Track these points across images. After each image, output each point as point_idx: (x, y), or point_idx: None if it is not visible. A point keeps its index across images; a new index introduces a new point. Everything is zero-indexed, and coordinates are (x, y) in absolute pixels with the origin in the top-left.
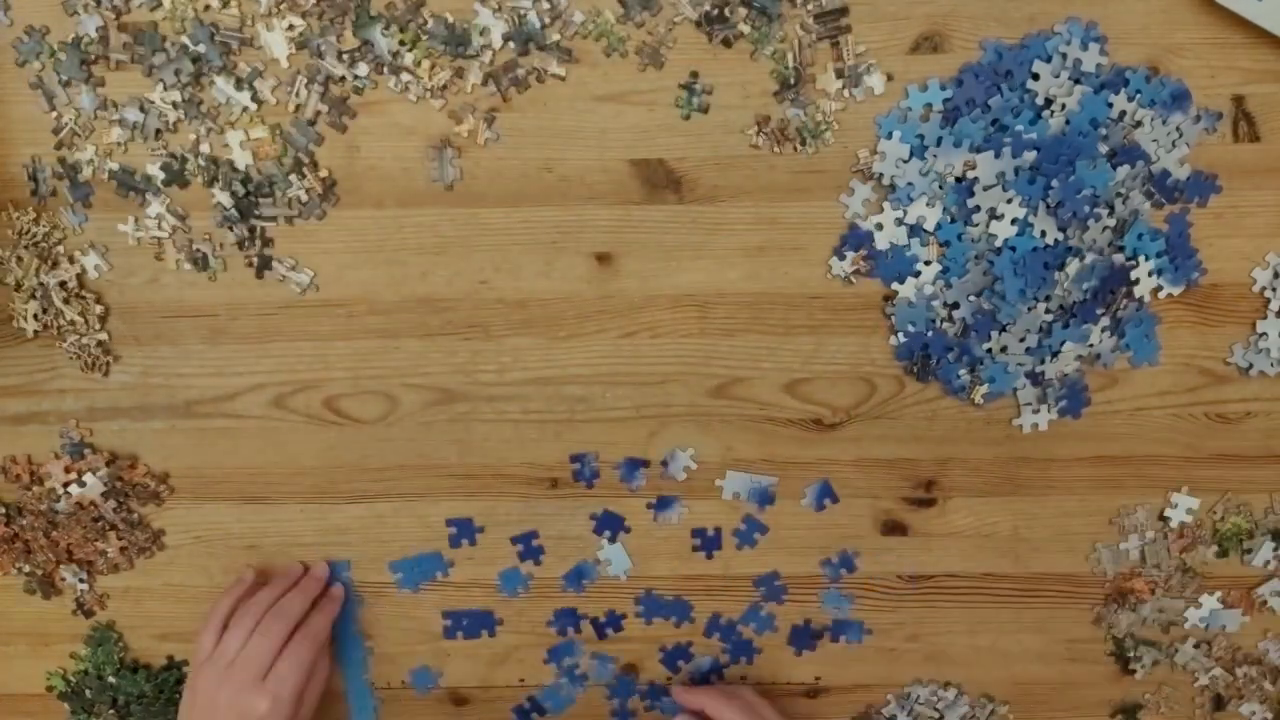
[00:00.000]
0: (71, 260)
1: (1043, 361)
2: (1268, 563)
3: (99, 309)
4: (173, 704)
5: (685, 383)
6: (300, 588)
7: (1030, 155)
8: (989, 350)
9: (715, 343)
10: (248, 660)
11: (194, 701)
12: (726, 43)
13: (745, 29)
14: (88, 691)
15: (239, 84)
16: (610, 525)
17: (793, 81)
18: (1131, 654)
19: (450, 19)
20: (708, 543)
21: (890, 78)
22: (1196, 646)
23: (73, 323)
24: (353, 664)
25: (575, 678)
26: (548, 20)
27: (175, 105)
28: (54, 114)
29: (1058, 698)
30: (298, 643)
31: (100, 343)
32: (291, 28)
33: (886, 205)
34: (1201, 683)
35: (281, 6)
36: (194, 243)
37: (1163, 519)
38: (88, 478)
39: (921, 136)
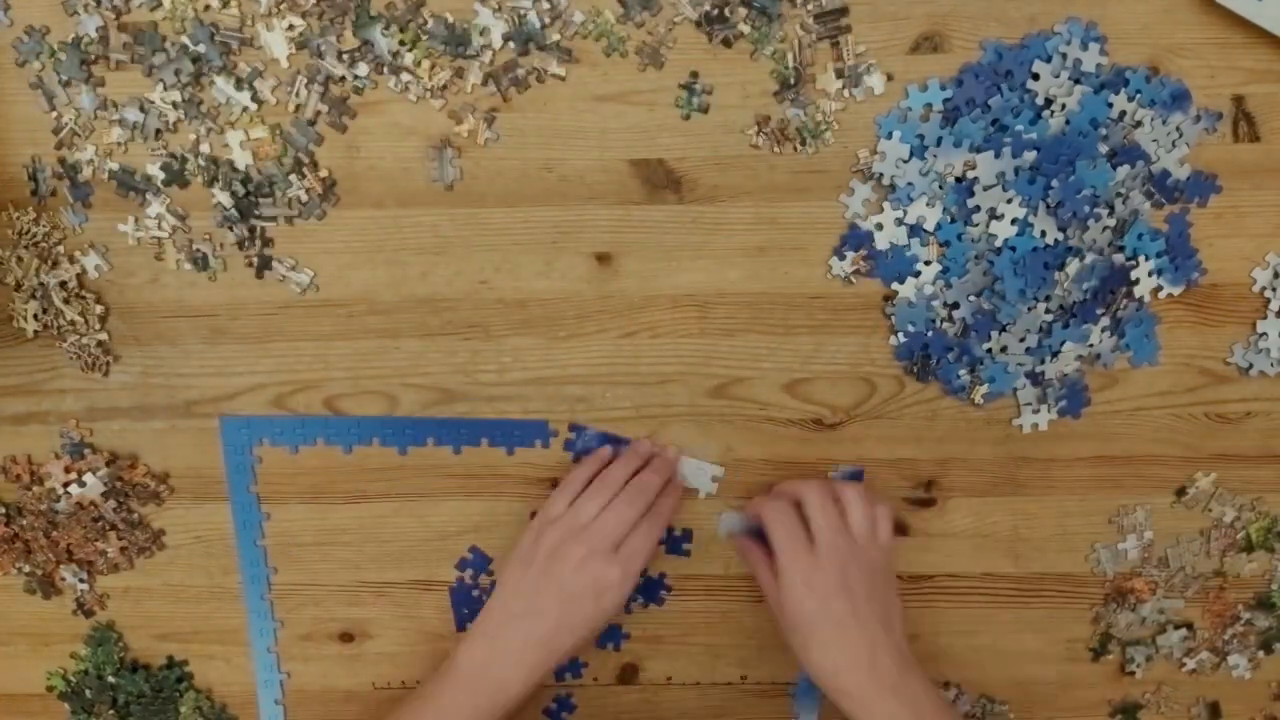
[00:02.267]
0: (72, 260)
1: (1043, 361)
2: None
3: (99, 309)
4: (172, 703)
5: (685, 383)
6: (654, 467)
7: (1030, 155)
8: (989, 350)
9: (715, 343)
10: (604, 528)
11: (536, 551)
12: (726, 43)
13: (745, 29)
14: (88, 691)
15: (239, 84)
16: None
17: (793, 81)
18: (1118, 652)
19: (450, 19)
20: (674, 542)
21: (890, 78)
22: (1178, 629)
23: (73, 323)
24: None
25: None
26: (548, 20)
27: (175, 105)
28: (54, 114)
29: (1058, 698)
30: (650, 521)
31: (100, 343)
32: (291, 28)
33: (886, 205)
34: (1189, 667)
35: (281, 6)
36: (194, 243)
37: (1177, 494)
38: (88, 478)
39: (922, 136)
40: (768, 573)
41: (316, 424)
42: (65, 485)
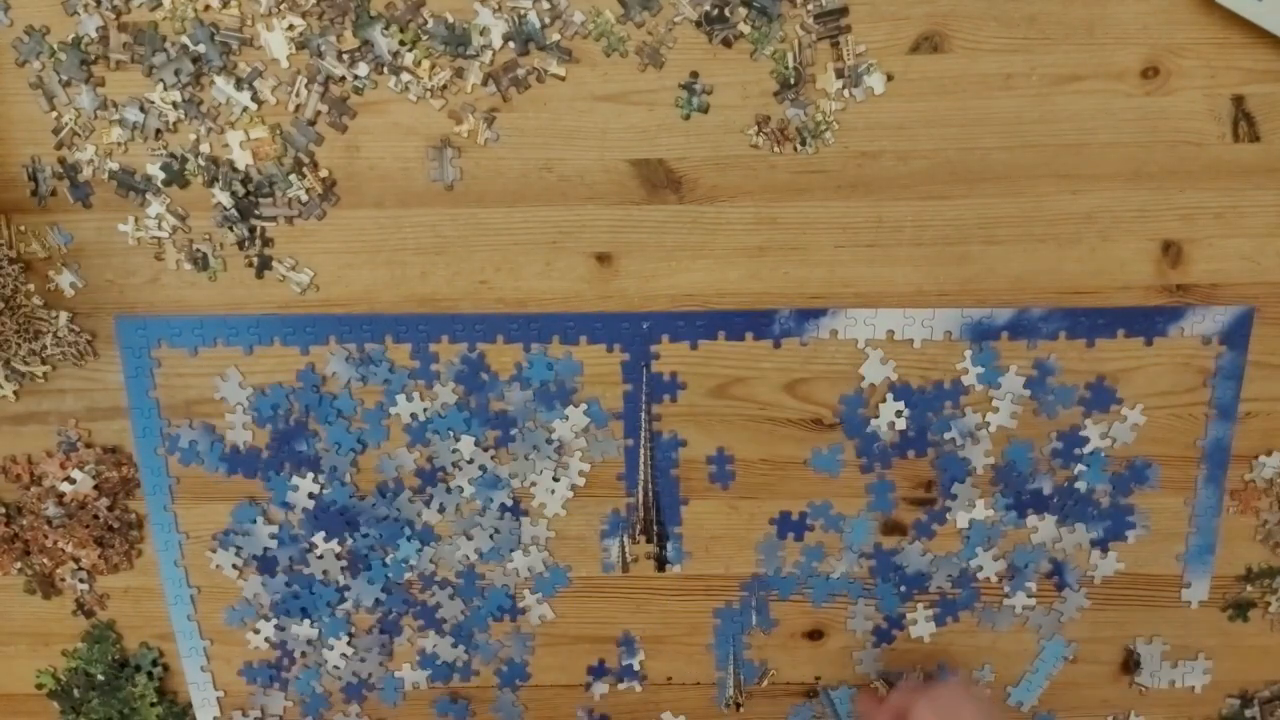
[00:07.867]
0: (47, 279)
1: None
2: None
3: (68, 315)
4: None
5: (685, 383)
6: None
7: None
8: None
9: (715, 343)
10: None
11: None
12: (726, 43)
13: (745, 29)
14: (75, 690)
15: (239, 84)
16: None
17: (793, 81)
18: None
19: (450, 19)
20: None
21: (890, 78)
22: None
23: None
24: None
25: None
26: (548, 20)
27: (175, 105)
28: (54, 114)
29: (1058, 698)
30: None
31: (87, 340)
32: (291, 28)
33: None
34: None
35: (281, 6)
36: (194, 243)
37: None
38: (75, 473)
39: None
40: None
41: (215, 324)
42: (61, 481)
